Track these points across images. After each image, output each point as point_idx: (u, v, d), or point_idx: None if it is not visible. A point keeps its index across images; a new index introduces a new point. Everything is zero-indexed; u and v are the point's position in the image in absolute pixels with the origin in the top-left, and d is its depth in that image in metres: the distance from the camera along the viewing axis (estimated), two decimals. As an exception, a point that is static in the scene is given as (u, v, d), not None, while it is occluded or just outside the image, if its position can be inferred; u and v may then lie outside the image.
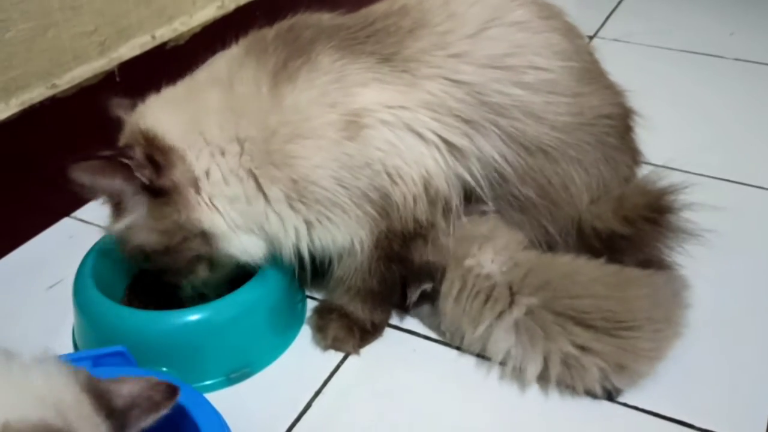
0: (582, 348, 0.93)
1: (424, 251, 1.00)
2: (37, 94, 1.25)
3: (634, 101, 1.12)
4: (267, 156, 0.92)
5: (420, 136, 0.95)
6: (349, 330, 1.04)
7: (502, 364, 0.98)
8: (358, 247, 0.97)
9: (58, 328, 1.10)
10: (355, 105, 0.92)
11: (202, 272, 1.01)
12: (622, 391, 0.96)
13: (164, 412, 0.65)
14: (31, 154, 1.26)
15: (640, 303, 0.95)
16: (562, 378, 0.95)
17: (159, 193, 0.91)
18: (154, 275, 1.04)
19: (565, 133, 1.00)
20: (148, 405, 0.64)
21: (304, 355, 1.05)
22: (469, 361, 1.03)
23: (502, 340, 0.97)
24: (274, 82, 0.92)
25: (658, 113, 1.14)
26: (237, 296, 1.01)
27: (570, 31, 1.06)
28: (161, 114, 0.95)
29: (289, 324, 1.08)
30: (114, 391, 0.64)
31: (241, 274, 1.03)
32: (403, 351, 1.05)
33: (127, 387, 0.65)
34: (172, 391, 0.66)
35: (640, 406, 0.95)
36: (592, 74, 1.06)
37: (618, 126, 1.07)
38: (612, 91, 1.09)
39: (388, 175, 0.94)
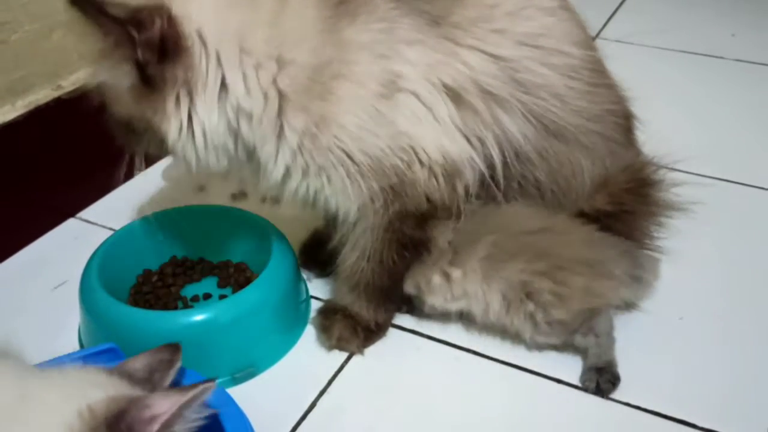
0: (526, 272, 0.98)
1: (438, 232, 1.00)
2: (42, 95, 1.26)
3: (635, 102, 1.13)
4: (309, 84, 0.89)
5: (446, 111, 0.94)
6: (354, 330, 1.04)
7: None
8: (363, 218, 0.97)
9: (63, 328, 1.10)
10: (396, 65, 0.92)
11: (153, 151, 0.97)
12: (613, 389, 0.98)
13: (178, 365, 0.75)
14: (36, 154, 1.27)
15: (576, 245, 1.00)
16: (503, 313, 1.00)
17: (147, 80, 0.86)
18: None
19: (581, 119, 1.02)
20: (163, 366, 0.74)
21: (309, 355, 1.06)
22: (473, 359, 1.04)
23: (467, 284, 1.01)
24: (335, 13, 0.90)
25: (658, 114, 1.15)
26: (242, 296, 1.02)
27: (583, 25, 1.08)
28: (203, 4, 0.87)
29: (294, 324, 1.09)
30: (130, 369, 0.72)
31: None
32: (406, 350, 1.06)
33: (138, 361, 0.74)
34: (174, 348, 0.76)
35: (643, 405, 0.96)
36: (602, 68, 1.08)
37: (622, 124, 1.09)
38: (616, 89, 1.10)
39: (410, 146, 0.93)
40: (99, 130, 1.34)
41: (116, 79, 0.87)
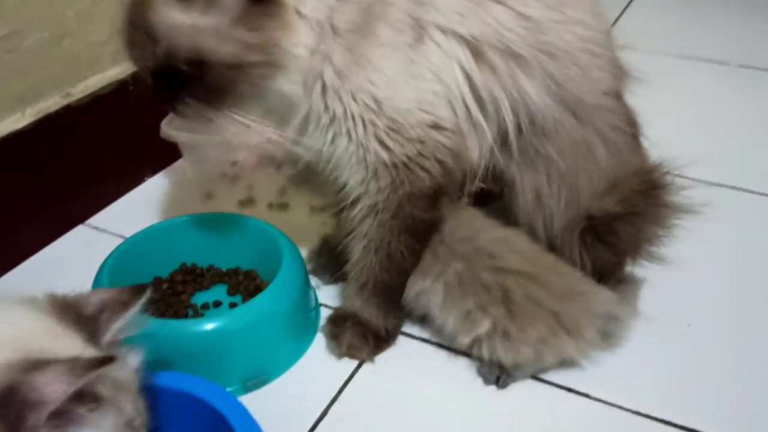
0: (482, 308, 0.98)
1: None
2: (52, 103, 1.27)
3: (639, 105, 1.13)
4: (358, 23, 0.88)
5: (464, 67, 0.93)
6: (364, 337, 1.05)
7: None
8: (366, 195, 0.96)
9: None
10: (426, 13, 0.90)
11: (244, 104, 0.91)
12: (508, 382, 1.00)
13: (133, 310, 0.68)
14: (45, 162, 1.27)
15: (549, 294, 0.99)
16: (458, 333, 1.01)
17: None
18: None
19: (598, 95, 1.01)
20: (116, 306, 0.67)
21: (319, 363, 1.06)
22: (483, 368, 1.04)
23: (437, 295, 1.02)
24: None
25: (660, 119, 1.15)
26: (253, 304, 1.03)
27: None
28: None
29: (304, 332, 1.09)
30: (83, 301, 0.67)
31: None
32: (416, 358, 1.06)
33: (96, 295, 0.68)
34: (139, 289, 0.69)
35: (651, 414, 0.97)
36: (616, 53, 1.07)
37: (629, 132, 1.08)
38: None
39: (433, 102, 0.92)
40: (107, 138, 1.36)
41: (223, 7, 0.81)
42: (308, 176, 1.29)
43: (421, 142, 0.93)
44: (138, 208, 1.41)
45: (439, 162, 0.95)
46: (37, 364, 0.59)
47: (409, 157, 0.93)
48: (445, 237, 1.01)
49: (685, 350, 1.05)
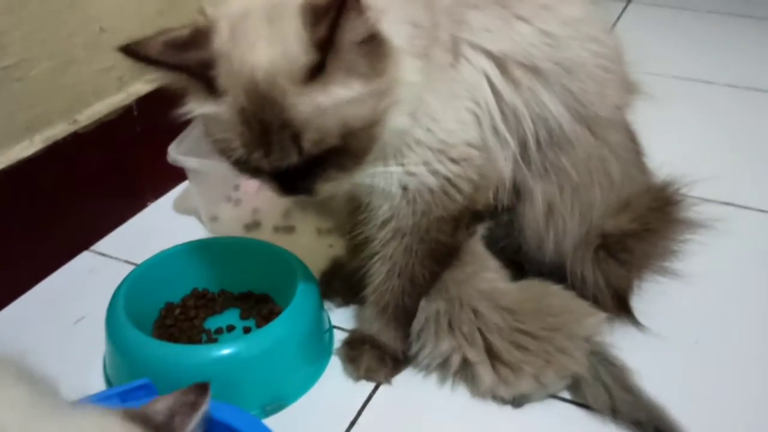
0: (457, 351, 1.02)
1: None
2: (59, 130, 1.27)
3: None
4: (425, 44, 0.88)
5: (492, 83, 0.95)
6: (382, 360, 1.06)
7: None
8: (395, 218, 0.96)
9: (87, 362, 1.11)
10: (461, 30, 0.92)
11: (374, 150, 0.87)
12: (524, 401, 1.02)
13: (204, 408, 0.70)
14: (52, 188, 1.27)
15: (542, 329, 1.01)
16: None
17: (372, 42, 0.79)
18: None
19: (611, 111, 1.04)
20: (186, 409, 0.69)
21: (336, 386, 1.07)
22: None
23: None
24: None
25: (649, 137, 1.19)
26: (271, 329, 1.03)
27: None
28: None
29: (319, 355, 1.10)
30: (150, 411, 0.69)
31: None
32: (432, 379, 1.07)
33: (161, 403, 0.69)
34: (202, 388, 0.70)
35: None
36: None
37: (635, 149, 1.12)
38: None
39: (468, 116, 0.94)
40: (112, 164, 1.37)
41: (353, 70, 0.79)
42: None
43: (464, 161, 0.94)
44: (142, 233, 1.41)
45: (471, 180, 0.96)
46: None
47: (448, 179, 0.95)
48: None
49: (693, 367, 1.08)
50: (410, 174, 0.92)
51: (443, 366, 1.04)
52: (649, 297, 1.15)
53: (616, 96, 1.04)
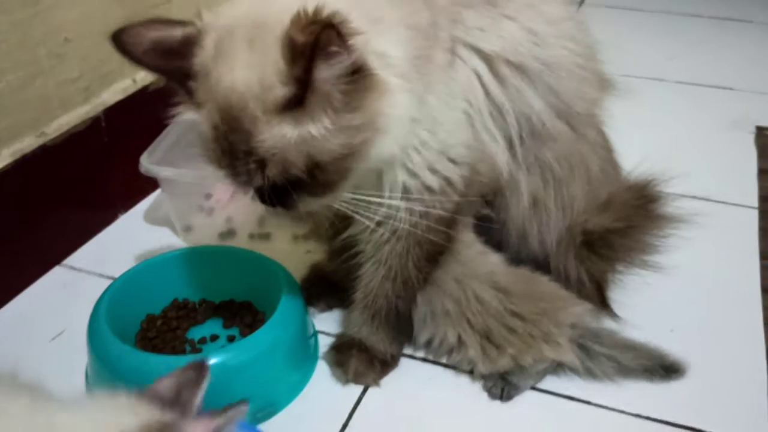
0: (458, 338, 1.05)
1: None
2: (27, 144, 1.25)
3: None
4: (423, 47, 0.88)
5: (482, 81, 0.96)
6: (370, 363, 1.06)
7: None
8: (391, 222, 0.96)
9: (67, 377, 1.08)
10: (457, 30, 0.92)
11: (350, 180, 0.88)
12: (512, 394, 1.05)
13: (207, 383, 0.73)
14: (22, 203, 1.24)
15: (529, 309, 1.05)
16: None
17: (355, 75, 0.78)
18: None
19: (588, 107, 1.06)
20: (191, 385, 0.72)
21: (324, 390, 1.07)
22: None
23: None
24: None
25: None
26: (257, 337, 1.03)
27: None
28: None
29: (305, 360, 1.10)
30: (159, 389, 0.72)
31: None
32: (419, 379, 1.09)
33: (167, 381, 0.73)
34: (200, 365, 0.74)
35: (634, 412, 1.02)
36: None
37: (608, 146, 1.15)
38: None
39: (462, 116, 0.94)
40: (81, 176, 1.34)
41: (328, 113, 0.79)
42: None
43: (462, 161, 0.96)
44: (114, 246, 1.39)
45: (463, 178, 0.97)
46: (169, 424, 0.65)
47: (448, 179, 0.95)
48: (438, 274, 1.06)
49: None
50: (413, 175, 0.93)
51: (440, 346, 1.08)
52: (629, 289, 1.18)
53: (592, 92, 1.07)
